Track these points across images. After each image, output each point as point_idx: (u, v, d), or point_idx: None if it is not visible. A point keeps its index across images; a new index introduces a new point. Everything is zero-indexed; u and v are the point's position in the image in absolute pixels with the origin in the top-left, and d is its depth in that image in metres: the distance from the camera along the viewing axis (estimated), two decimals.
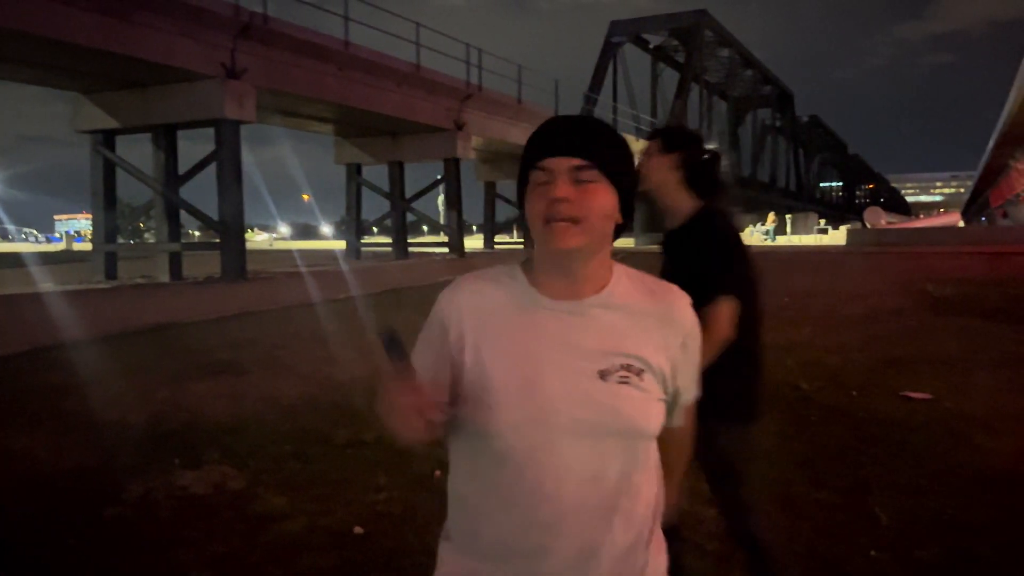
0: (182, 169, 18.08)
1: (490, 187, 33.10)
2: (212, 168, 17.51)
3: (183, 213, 18.58)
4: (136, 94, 17.08)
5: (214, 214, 17.71)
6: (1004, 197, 65.73)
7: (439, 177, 27.26)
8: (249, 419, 5.69)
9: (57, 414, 5.86)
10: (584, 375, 1.17)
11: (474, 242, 35.26)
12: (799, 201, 75.91)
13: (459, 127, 25.43)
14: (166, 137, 17.72)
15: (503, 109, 27.36)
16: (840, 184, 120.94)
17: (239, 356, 8.30)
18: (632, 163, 1.25)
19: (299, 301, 13.79)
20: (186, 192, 18.40)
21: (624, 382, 1.18)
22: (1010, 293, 13.08)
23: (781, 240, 46.89)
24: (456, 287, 1.28)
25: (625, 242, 10.63)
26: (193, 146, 18.82)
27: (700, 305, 1.40)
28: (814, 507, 3.84)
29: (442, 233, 29.22)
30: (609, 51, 46.88)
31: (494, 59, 60.28)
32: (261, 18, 17.05)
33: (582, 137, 1.19)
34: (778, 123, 72.57)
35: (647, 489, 1.25)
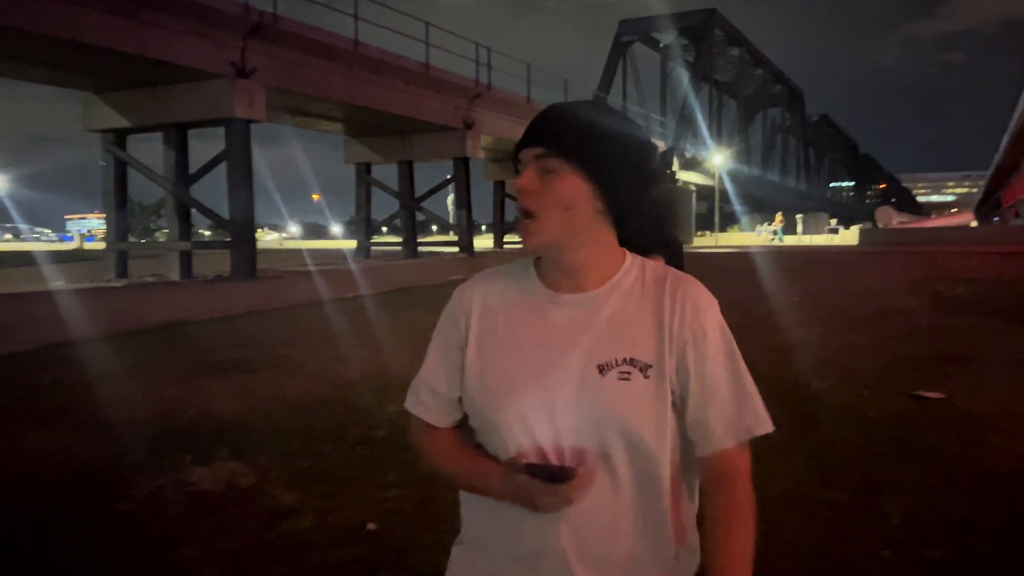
0: (192, 168, 18.16)
1: (499, 186, 33.09)
2: (222, 167, 17.57)
3: (193, 212, 18.65)
4: (147, 93, 17.15)
5: (224, 213, 17.77)
6: (1017, 197, 65.23)
7: (448, 176, 27.28)
8: (258, 416, 5.71)
9: (67, 411, 5.90)
10: (583, 370, 1.14)
11: (483, 241, 35.27)
12: (809, 201, 75.67)
13: (468, 126, 25.45)
14: (177, 136, 17.79)
15: (512, 108, 27.35)
16: (851, 184, 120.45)
17: (248, 354, 8.33)
18: (629, 150, 1.17)
19: (309, 300, 13.84)
20: (196, 191, 18.49)
21: (624, 378, 1.12)
22: (1023, 293, 13.00)
23: (791, 240, 46.75)
24: (470, 282, 1.28)
25: None
26: (203, 145, 18.91)
27: None
28: (823, 506, 3.82)
29: (451, 232, 29.23)
30: (619, 50, 46.82)
31: (503, 58, 60.45)
32: (271, 17, 17.09)
33: (550, 123, 1.15)
34: (788, 122, 72.38)
35: (660, 506, 1.16)
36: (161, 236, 33.35)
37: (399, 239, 28.96)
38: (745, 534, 1.15)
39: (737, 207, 55.72)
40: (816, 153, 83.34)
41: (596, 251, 1.18)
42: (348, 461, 4.62)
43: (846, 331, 9.43)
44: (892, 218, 54.21)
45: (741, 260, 24.77)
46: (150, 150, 19.15)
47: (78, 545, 3.47)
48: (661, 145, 39.90)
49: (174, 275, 17.96)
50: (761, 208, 61.47)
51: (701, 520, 1.21)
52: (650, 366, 1.14)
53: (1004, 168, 64.91)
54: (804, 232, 59.16)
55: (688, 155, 44.34)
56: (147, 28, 14.62)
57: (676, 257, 1.91)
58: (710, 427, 1.16)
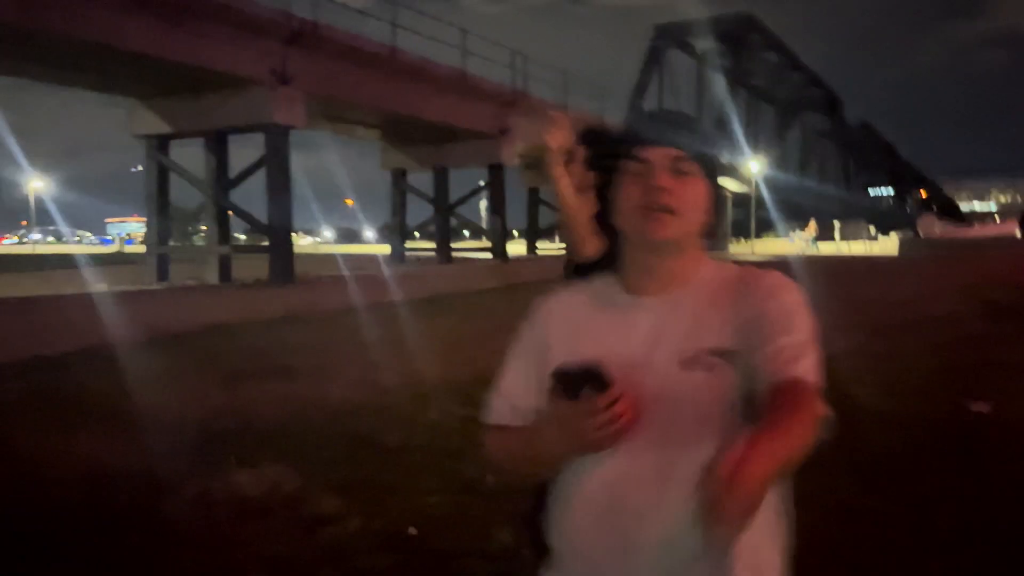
0: (231, 173, 18.45)
1: (533, 192, 33.07)
2: (260, 173, 17.82)
3: (230, 217, 18.94)
4: (189, 100, 17.45)
5: (259, 217, 18.02)
6: None
7: (482, 183, 27.34)
8: (299, 422, 5.78)
9: (115, 413, 6.01)
10: (667, 366, 1.15)
11: (516, 247, 35.26)
12: (847, 207, 74.59)
13: (503, 133, 25.50)
14: (217, 142, 18.09)
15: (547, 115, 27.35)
16: (890, 190, 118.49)
17: (289, 359, 8.43)
18: (717, 163, 1.29)
19: (346, 305, 13.96)
20: (234, 196, 18.77)
21: (707, 370, 1.13)
22: None
23: (828, 248, 46.09)
24: (548, 295, 1.32)
25: None
26: (238, 151, 19.14)
27: None
28: (865, 514, 3.77)
29: (484, 238, 29.27)
30: (654, 56, 46.59)
31: (537, 66, 60.34)
32: (311, 25, 17.30)
33: (677, 129, 1.23)
34: (826, 127, 71.41)
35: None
36: (199, 240, 33.84)
37: (432, 244, 29.09)
38: (790, 428, 1.00)
39: (773, 214, 55.12)
40: (855, 160, 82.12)
41: (693, 256, 1.24)
42: (388, 467, 4.66)
43: (890, 339, 9.25)
44: (934, 227, 53.26)
45: (782, 268, 24.46)
46: (187, 155, 19.50)
47: (130, 545, 3.54)
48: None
49: (213, 279, 18.23)
50: (797, 216, 60.75)
51: None
52: (728, 359, 1.14)
53: None
54: (842, 239, 58.32)
55: (724, 161, 43.99)
56: (193, 37, 14.90)
57: None
58: (780, 354, 1.11)
